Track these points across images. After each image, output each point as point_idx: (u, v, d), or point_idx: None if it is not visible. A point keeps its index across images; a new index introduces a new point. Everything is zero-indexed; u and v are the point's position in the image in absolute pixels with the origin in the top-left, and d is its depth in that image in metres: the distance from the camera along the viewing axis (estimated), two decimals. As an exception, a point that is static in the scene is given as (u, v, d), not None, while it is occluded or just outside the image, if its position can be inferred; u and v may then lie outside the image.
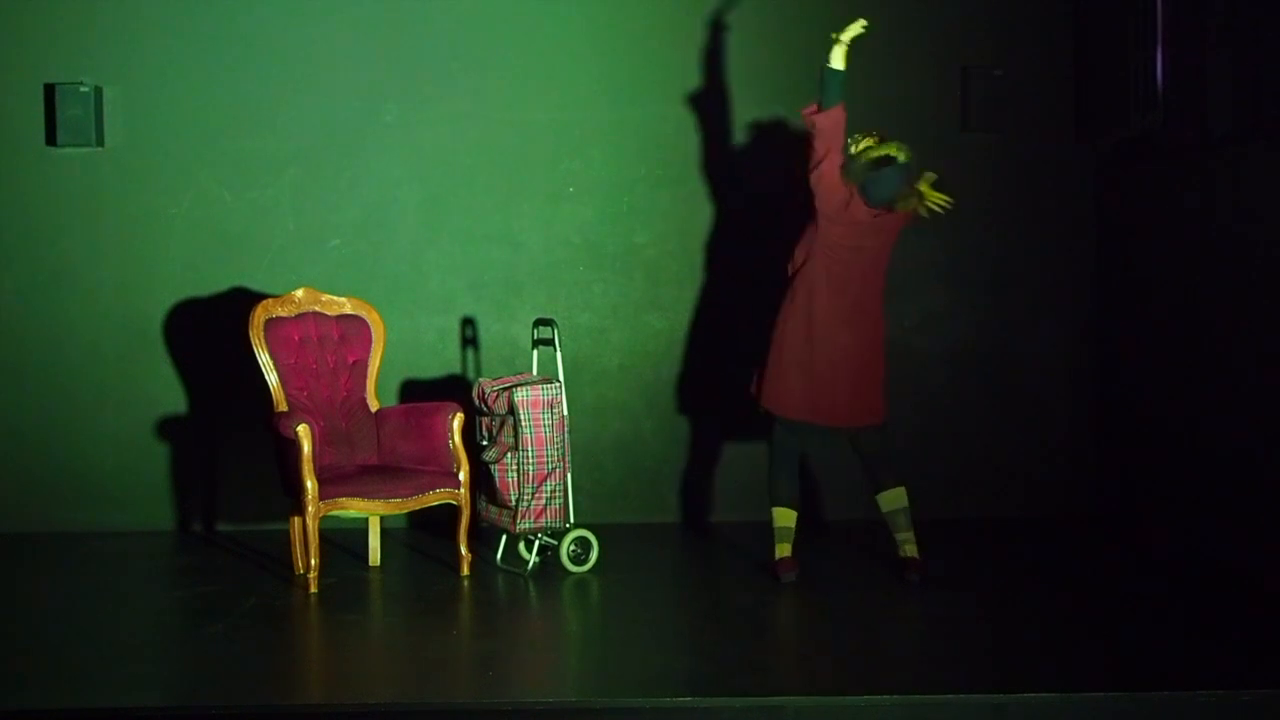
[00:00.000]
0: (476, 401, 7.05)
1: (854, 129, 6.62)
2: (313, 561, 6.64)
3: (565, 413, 6.96)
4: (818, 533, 7.58)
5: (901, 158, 6.49)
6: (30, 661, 5.71)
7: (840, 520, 7.85)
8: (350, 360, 7.27)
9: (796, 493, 6.75)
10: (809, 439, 6.82)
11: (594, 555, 7.02)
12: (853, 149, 6.56)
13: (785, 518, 6.71)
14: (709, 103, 8.00)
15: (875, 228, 6.56)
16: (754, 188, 8.01)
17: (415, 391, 7.93)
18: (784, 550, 6.70)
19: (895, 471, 6.71)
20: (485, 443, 6.99)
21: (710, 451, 8.09)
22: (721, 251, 8.05)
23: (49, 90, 7.84)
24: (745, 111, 7.99)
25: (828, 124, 6.50)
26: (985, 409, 8.09)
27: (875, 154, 6.48)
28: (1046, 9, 8.04)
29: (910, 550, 6.67)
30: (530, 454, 6.84)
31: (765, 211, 8.00)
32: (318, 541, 6.62)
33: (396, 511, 6.87)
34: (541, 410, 6.85)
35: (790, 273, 6.68)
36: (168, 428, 7.97)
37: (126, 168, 7.93)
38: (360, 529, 7.32)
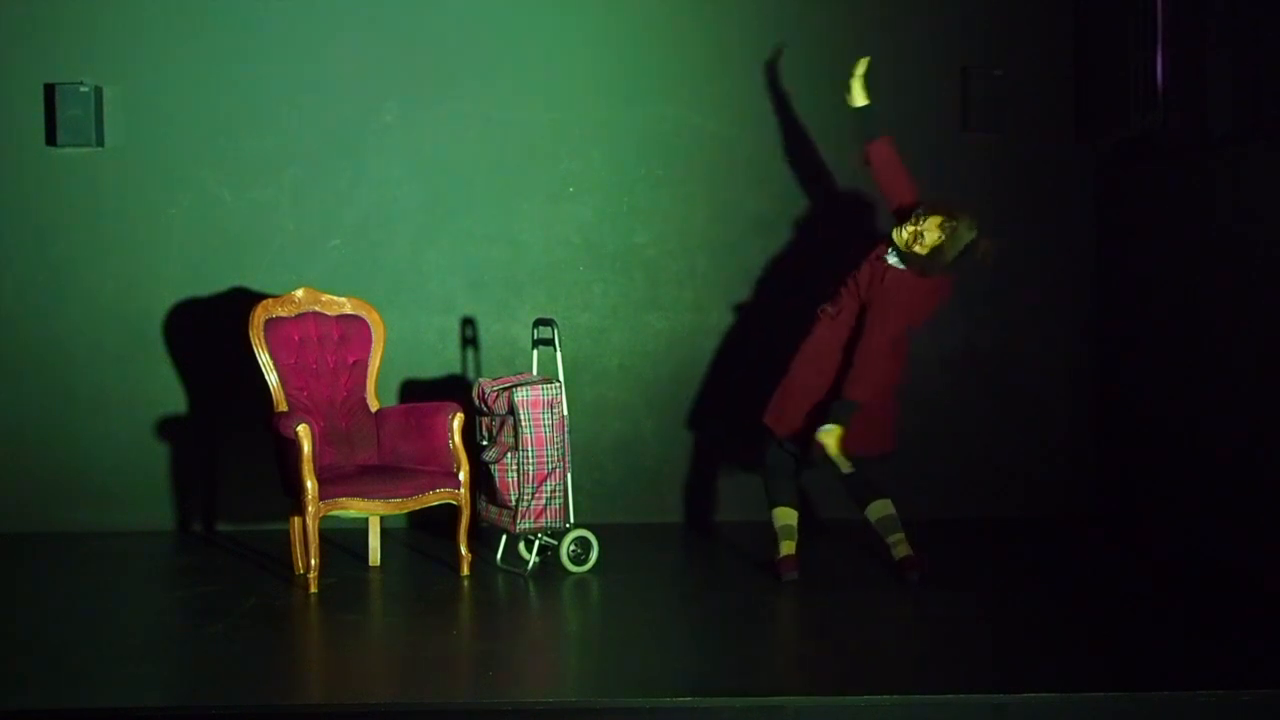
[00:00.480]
0: (476, 401, 7.05)
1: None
2: (313, 561, 6.64)
3: (565, 413, 6.96)
4: (817, 532, 7.57)
5: (975, 234, 6.47)
6: (30, 661, 5.70)
7: (839, 520, 7.84)
8: (350, 360, 7.27)
9: (795, 493, 6.76)
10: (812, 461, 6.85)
11: (594, 555, 7.02)
12: (922, 245, 6.46)
13: (787, 516, 6.71)
14: (709, 103, 7.99)
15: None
16: (755, 188, 8.01)
17: (415, 391, 7.93)
18: (788, 548, 6.70)
19: (877, 489, 6.73)
20: (485, 443, 6.99)
21: (710, 451, 8.08)
22: (722, 252, 8.04)
23: (49, 90, 7.84)
24: (746, 110, 7.98)
25: (878, 160, 6.71)
26: (985, 409, 8.09)
27: (958, 250, 6.44)
28: (1046, 9, 8.04)
29: (904, 550, 6.67)
30: (530, 454, 6.84)
31: (766, 211, 8.01)
32: (318, 541, 6.62)
33: (396, 511, 6.87)
34: (541, 410, 6.85)
35: (828, 311, 6.67)
36: (168, 428, 7.97)
37: (126, 168, 7.92)
38: (360, 529, 7.32)
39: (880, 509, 6.70)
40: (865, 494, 6.71)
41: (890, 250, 6.54)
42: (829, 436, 6.41)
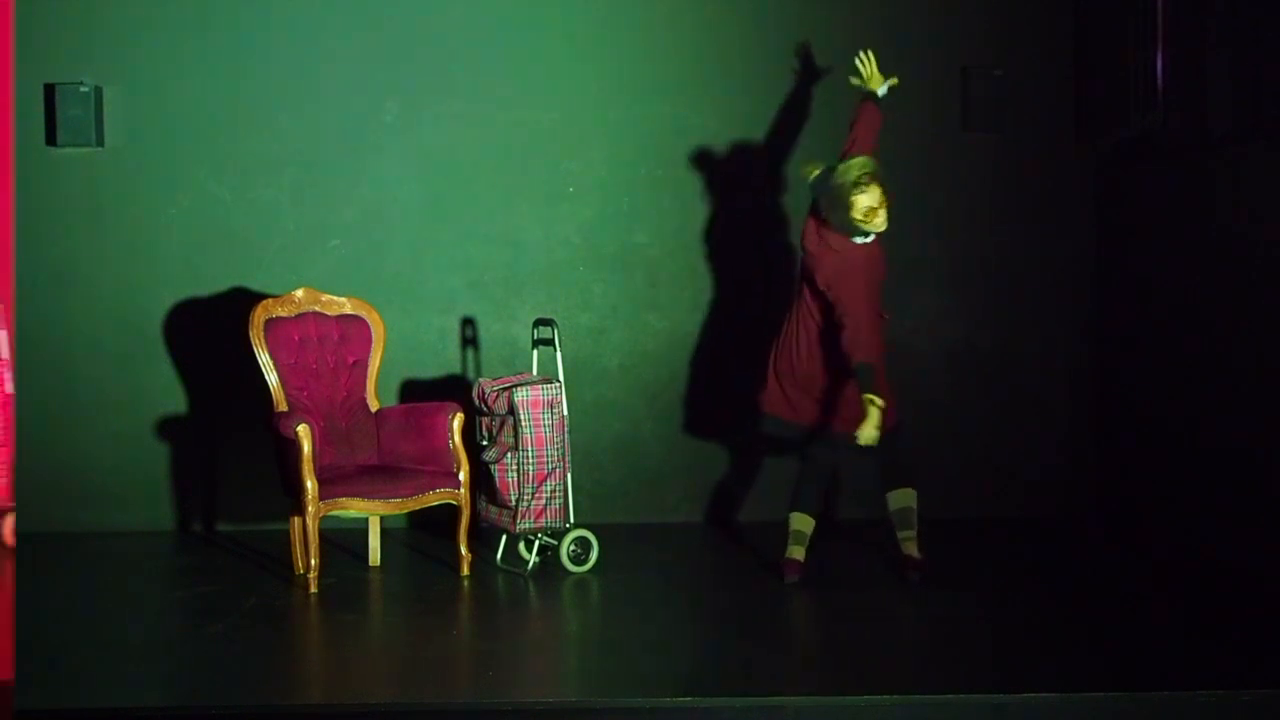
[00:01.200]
0: (476, 401, 7.05)
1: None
2: (313, 561, 6.64)
3: (565, 413, 6.96)
4: (831, 534, 7.55)
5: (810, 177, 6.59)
6: (30, 661, 5.70)
7: (844, 520, 7.85)
8: (350, 360, 7.27)
9: (819, 504, 6.77)
10: (842, 453, 6.81)
11: (594, 555, 7.02)
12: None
13: (803, 523, 6.71)
14: (710, 103, 7.99)
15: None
16: (754, 187, 8.00)
17: (415, 391, 7.93)
18: (796, 552, 6.68)
19: (907, 476, 6.74)
20: (485, 443, 6.99)
21: (710, 451, 8.08)
22: (721, 251, 8.04)
23: (49, 90, 7.84)
24: (746, 110, 7.98)
25: (867, 116, 6.69)
26: (985, 409, 8.08)
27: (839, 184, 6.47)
28: (1046, 9, 8.04)
29: (910, 549, 6.69)
30: (530, 454, 6.84)
31: (765, 211, 8.01)
32: (318, 541, 6.62)
33: (396, 511, 6.87)
34: (541, 410, 6.85)
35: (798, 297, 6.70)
36: (168, 428, 7.97)
37: (126, 168, 7.92)
38: (360, 529, 7.32)
39: (902, 498, 6.70)
40: (896, 477, 6.72)
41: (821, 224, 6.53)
42: (873, 407, 6.28)
